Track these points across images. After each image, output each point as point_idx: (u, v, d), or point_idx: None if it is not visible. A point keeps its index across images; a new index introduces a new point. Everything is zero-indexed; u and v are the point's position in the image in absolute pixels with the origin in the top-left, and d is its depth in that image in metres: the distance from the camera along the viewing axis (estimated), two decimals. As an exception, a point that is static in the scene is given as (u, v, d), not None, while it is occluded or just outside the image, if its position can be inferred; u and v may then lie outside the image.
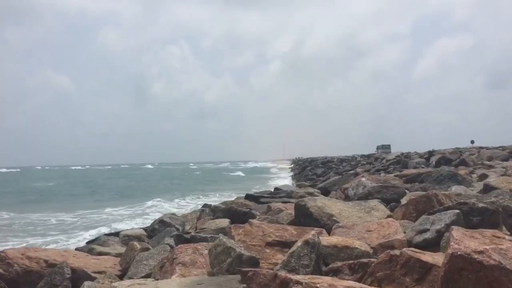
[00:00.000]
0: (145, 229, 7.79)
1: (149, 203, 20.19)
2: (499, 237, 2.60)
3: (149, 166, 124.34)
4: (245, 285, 2.48)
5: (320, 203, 5.00)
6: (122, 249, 5.66)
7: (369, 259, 3.35)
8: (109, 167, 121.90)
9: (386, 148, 50.83)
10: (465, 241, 2.44)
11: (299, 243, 3.43)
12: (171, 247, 4.80)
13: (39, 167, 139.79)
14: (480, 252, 2.33)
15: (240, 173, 59.65)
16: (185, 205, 19.51)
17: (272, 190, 12.60)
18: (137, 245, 4.98)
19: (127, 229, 8.44)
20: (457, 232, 2.56)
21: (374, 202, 5.40)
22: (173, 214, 8.90)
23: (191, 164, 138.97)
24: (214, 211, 7.65)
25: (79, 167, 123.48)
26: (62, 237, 11.94)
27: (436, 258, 2.96)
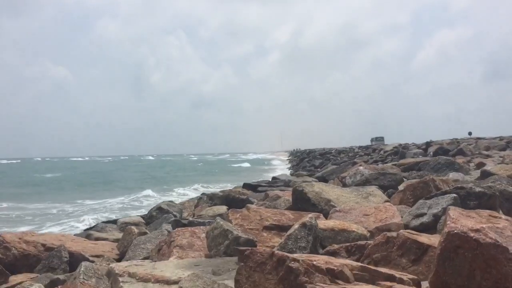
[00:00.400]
0: (142, 216, 7.80)
1: (148, 193, 20.22)
2: (495, 217, 2.59)
3: (150, 157, 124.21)
4: (242, 264, 2.48)
5: (317, 188, 5.00)
6: (119, 235, 5.66)
7: (366, 241, 3.36)
8: (110, 158, 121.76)
9: (379, 140, 51.24)
10: (462, 220, 2.43)
11: (296, 226, 3.43)
12: (169, 232, 4.79)
13: (39, 158, 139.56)
14: (477, 231, 2.32)
15: (247, 164, 57.58)
16: (183, 194, 19.59)
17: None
18: (134, 229, 4.99)
19: (125, 217, 8.46)
20: (454, 211, 2.56)
21: (372, 188, 5.39)
22: (171, 201, 8.90)
23: (191, 156, 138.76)
24: (211, 199, 7.66)
25: (79, 159, 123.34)
26: (60, 226, 11.91)
27: (432, 240, 2.97)
